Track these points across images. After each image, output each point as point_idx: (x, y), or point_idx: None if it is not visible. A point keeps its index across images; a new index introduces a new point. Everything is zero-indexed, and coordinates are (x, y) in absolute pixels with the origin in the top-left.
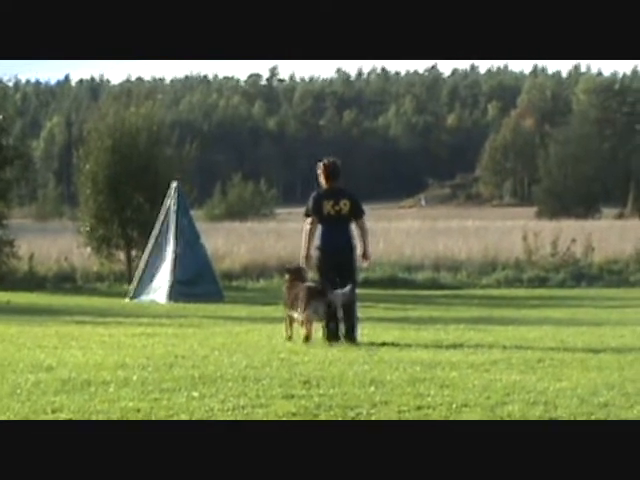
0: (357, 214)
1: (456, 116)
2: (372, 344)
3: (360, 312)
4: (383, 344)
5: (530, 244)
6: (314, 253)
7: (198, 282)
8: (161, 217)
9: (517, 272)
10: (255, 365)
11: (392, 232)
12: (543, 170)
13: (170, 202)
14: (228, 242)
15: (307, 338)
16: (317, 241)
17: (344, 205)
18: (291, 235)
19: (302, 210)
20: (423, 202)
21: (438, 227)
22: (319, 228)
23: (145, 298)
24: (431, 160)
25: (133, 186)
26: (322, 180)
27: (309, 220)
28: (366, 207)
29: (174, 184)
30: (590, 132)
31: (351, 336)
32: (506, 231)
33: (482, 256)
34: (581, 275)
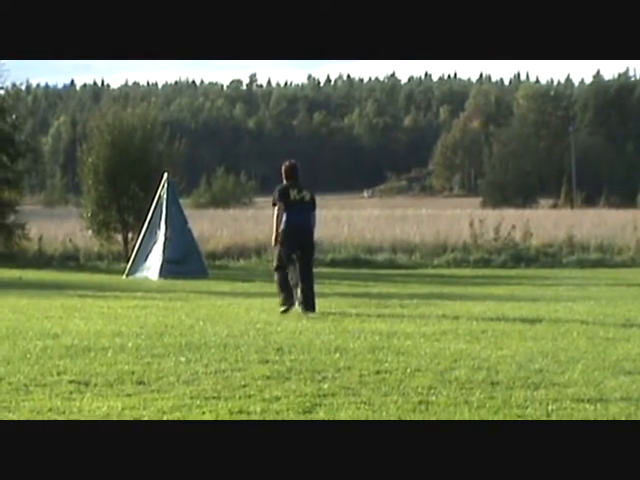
0: (313, 206)
1: (412, 118)
2: (337, 315)
3: (326, 287)
4: (347, 316)
5: (476, 230)
6: (281, 233)
7: (186, 261)
8: (154, 204)
9: (464, 254)
10: (235, 334)
11: (355, 219)
12: (487, 165)
13: (162, 191)
14: (212, 227)
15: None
16: (284, 223)
17: (306, 194)
18: (267, 221)
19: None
20: (366, 194)
21: (395, 215)
22: (285, 213)
23: (139, 275)
24: (390, 156)
25: (129, 177)
26: (285, 178)
27: (277, 207)
28: (332, 197)
29: (165, 175)
30: (528, 133)
31: (310, 305)
32: (455, 218)
33: (434, 240)
34: (520, 257)
